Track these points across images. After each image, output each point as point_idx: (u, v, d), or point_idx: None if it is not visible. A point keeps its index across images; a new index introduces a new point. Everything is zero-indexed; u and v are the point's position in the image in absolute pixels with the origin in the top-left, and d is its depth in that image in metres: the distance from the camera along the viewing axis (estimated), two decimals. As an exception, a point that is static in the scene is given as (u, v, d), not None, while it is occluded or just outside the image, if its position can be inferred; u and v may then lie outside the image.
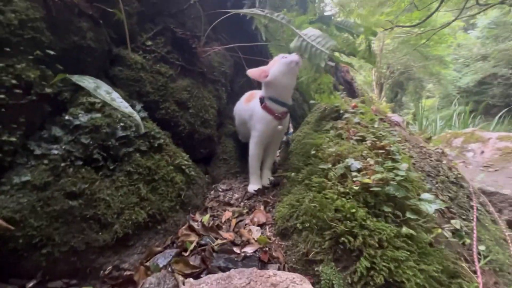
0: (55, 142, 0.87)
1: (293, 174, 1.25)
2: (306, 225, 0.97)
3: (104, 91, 0.75)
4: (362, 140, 1.25)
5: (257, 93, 1.43)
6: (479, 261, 0.99)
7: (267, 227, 1.13)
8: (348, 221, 0.88)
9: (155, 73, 1.28)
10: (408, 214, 0.90)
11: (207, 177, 1.45)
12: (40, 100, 0.84)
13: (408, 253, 0.82)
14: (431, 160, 1.57)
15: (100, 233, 0.88)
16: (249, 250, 0.99)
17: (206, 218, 1.17)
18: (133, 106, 1.15)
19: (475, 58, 11.36)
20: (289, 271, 0.92)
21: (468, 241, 1.08)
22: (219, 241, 1.03)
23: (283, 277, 0.76)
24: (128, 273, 0.88)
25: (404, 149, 1.39)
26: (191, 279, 0.84)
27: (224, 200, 1.35)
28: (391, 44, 10.22)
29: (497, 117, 4.78)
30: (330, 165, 1.11)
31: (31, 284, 0.74)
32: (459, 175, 1.56)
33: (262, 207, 1.26)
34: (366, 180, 0.95)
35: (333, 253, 0.87)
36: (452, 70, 11.35)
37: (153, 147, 1.13)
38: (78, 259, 0.82)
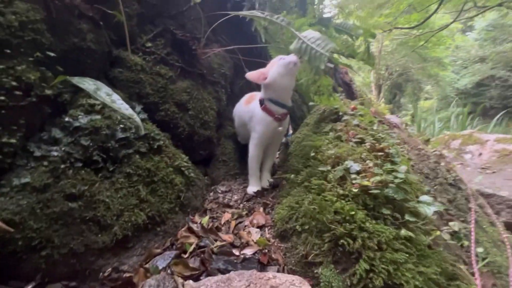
0: (55, 144, 0.87)
1: (292, 176, 1.26)
2: (306, 227, 0.97)
3: (105, 93, 0.75)
4: (361, 142, 1.25)
5: (257, 95, 1.43)
6: (477, 263, 1.00)
7: (266, 229, 1.14)
8: (348, 224, 0.88)
9: (155, 74, 1.28)
10: (407, 217, 0.91)
11: (207, 179, 1.45)
12: (40, 102, 0.84)
13: (407, 255, 0.82)
14: (430, 162, 1.58)
15: (99, 235, 0.88)
16: (248, 252, 0.99)
17: (205, 220, 1.17)
18: (133, 108, 1.15)
19: (473, 60, 11.43)
20: (288, 273, 0.92)
21: (466, 243, 1.08)
22: (218, 243, 1.03)
23: (283, 279, 0.77)
24: (127, 275, 0.88)
25: (403, 151, 1.40)
26: (190, 281, 0.84)
27: (223, 201, 1.35)
28: (389, 46, 10.27)
29: (495, 119, 4.81)
30: (329, 167, 1.11)
31: (30, 287, 0.74)
32: (457, 177, 1.57)
33: (261, 209, 1.26)
34: (365, 183, 0.95)
35: (333, 255, 0.87)
36: (450, 72, 11.41)
37: (153, 149, 1.13)
38: (77, 261, 0.81)
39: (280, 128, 1.38)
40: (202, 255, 0.96)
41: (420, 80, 11.83)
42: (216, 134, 1.60)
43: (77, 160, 0.90)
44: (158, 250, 1.00)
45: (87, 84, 0.75)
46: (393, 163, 1.10)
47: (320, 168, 1.13)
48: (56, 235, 0.78)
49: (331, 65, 1.87)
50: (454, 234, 1.11)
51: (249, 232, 1.11)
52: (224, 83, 1.70)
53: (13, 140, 0.77)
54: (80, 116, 0.95)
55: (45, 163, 0.83)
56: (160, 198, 1.09)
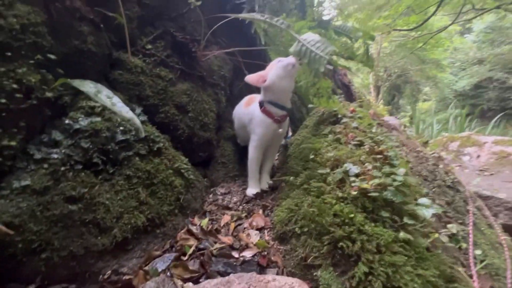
0: (55, 146, 0.87)
1: (291, 178, 1.26)
2: (305, 230, 0.97)
3: (105, 96, 0.75)
4: (360, 145, 1.26)
5: (257, 97, 1.44)
6: (475, 266, 1.01)
7: (265, 231, 1.14)
8: (347, 226, 0.89)
9: (155, 76, 1.28)
10: (406, 219, 0.91)
11: (206, 181, 1.46)
12: (40, 104, 0.85)
13: (406, 258, 0.82)
14: (428, 165, 1.58)
15: (99, 238, 0.88)
16: (247, 254, 1.00)
17: (205, 222, 1.17)
18: (133, 110, 1.15)
19: (471, 62, 11.49)
20: (287, 275, 0.92)
21: (464, 245, 1.09)
22: (218, 245, 1.03)
23: (282, 282, 0.77)
24: (127, 277, 0.88)
25: (401, 153, 1.40)
26: (190, 284, 0.84)
27: (222, 203, 1.35)
28: (388, 47, 10.31)
29: (493, 121, 4.84)
30: (328, 170, 1.12)
31: (30, 289, 0.74)
32: (455, 180, 1.57)
33: (260, 211, 1.27)
34: (365, 185, 0.96)
35: (332, 258, 0.87)
36: (449, 73, 11.47)
37: (153, 151, 1.13)
38: (77, 263, 0.82)
39: (279, 130, 1.39)
40: (201, 258, 0.96)
41: (418, 81, 11.88)
42: (215, 136, 1.61)
43: (77, 163, 0.90)
44: (158, 253, 1.00)
45: (88, 87, 0.75)
46: (391, 165, 1.10)
47: (320, 171, 1.13)
48: (56, 238, 0.79)
49: (331, 67, 1.88)
50: (452, 237, 1.12)
51: (248, 234, 1.11)
52: (224, 85, 1.71)
53: (13, 143, 0.77)
54: (80, 119, 0.95)
55: (45, 165, 0.83)
56: (160, 200, 1.09)
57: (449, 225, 1.17)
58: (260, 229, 1.15)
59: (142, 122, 1.15)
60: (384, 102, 10.82)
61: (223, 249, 1.01)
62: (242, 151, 1.65)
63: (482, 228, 1.35)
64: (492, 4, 5.40)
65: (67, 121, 0.93)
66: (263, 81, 1.30)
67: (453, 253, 1.03)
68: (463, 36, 12.04)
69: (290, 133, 1.77)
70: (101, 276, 0.86)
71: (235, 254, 1.00)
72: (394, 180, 1.00)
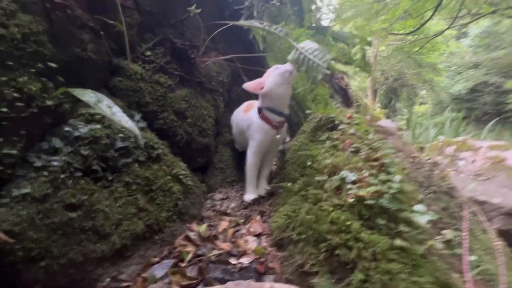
0: (55, 154, 0.88)
1: (289, 184, 1.27)
2: (302, 237, 0.98)
3: (106, 105, 0.76)
4: (357, 151, 1.27)
5: (255, 103, 1.45)
6: (470, 272, 1.02)
7: (263, 237, 1.15)
8: (343, 234, 0.90)
9: (154, 83, 1.29)
10: (401, 227, 0.93)
11: (204, 186, 1.46)
12: (40, 113, 0.85)
13: (401, 265, 0.84)
14: (424, 171, 1.60)
15: (98, 244, 0.88)
16: (245, 260, 1.01)
17: (203, 228, 1.18)
18: (132, 116, 1.16)
19: (467, 66, 11.60)
20: (285, 282, 0.93)
21: (459, 251, 1.10)
22: (216, 252, 1.04)
23: (280, 290, 0.78)
24: (125, 284, 0.89)
25: (397, 159, 1.42)
26: (188, 291, 0.85)
27: (220, 209, 1.36)
28: (385, 51, 10.39)
29: (488, 126, 4.89)
30: (325, 177, 1.13)
31: (29, 297, 0.75)
32: (450, 185, 1.59)
33: (258, 217, 1.28)
34: (361, 193, 0.97)
35: (329, 265, 0.88)
36: (445, 77, 11.58)
37: (152, 157, 1.14)
38: (76, 271, 0.82)
39: (278, 136, 1.40)
40: (199, 264, 0.97)
41: (415, 85, 11.98)
42: (213, 141, 1.62)
43: (76, 170, 0.90)
44: (156, 259, 1.01)
45: (88, 96, 0.76)
46: (388, 173, 1.12)
47: (317, 178, 1.14)
48: (55, 245, 0.79)
49: (328, 72, 1.90)
50: (447, 243, 1.13)
51: (246, 241, 1.12)
52: (222, 90, 1.72)
53: (14, 151, 0.78)
54: (80, 126, 0.96)
55: (45, 173, 0.83)
56: (158, 206, 1.09)
57: (444, 231, 1.19)
58: (257, 235, 1.16)
59: (142, 128, 1.16)
60: (381, 105, 10.89)
61: (221, 256, 1.02)
62: (240, 157, 1.66)
63: (477, 234, 1.37)
64: (487, 9, 5.48)
65: (67, 129, 0.93)
66: (260, 88, 1.32)
67: (448, 259, 1.04)
68: (459, 40, 12.17)
69: (288, 139, 1.78)
70: (99, 283, 0.86)
71: (233, 260, 1.00)
72: (390, 188, 1.01)
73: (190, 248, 1.06)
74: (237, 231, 1.20)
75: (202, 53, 1.55)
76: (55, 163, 0.86)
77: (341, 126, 1.49)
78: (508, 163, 2.50)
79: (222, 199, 1.45)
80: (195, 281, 0.90)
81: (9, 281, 0.74)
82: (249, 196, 1.41)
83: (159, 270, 0.94)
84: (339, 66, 2.13)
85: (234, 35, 1.84)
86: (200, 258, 1.00)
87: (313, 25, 2.34)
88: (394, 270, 0.82)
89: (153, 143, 1.16)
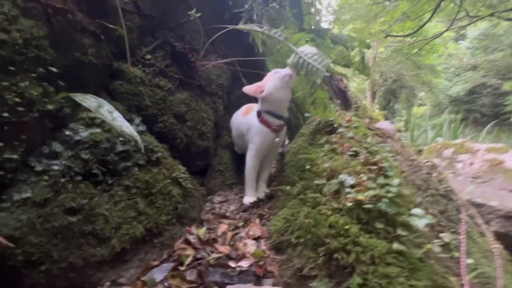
0: (55, 158, 0.88)
1: (288, 187, 1.28)
2: (301, 240, 0.99)
3: (106, 111, 0.76)
4: (356, 155, 1.28)
5: (255, 106, 1.46)
6: (467, 275, 1.03)
7: (262, 241, 1.15)
8: (342, 238, 0.91)
9: (154, 86, 1.30)
10: (399, 231, 0.94)
11: (203, 189, 1.47)
12: (41, 117, 0.86)
13: (399, 269, 0.85)
14: (422, 173, 1.61)
15: (98, 248, 0.89)
16: (244, 264, 1.01)
17: (202, 231, 1.18)
18: (132, 120, 1.17)
19: (465, 68, 11.68)
20: (283, 286, 0.94)
21: (457, 254, 1.11)
22: (215, 255, 1.04)
23: (279, 294, 0.79)
24: (125, 288, 0.89)
25: (396, 160, 1.43)
26: (188, 295, 0.86)
27: (219, 212, 1.37)
28: (384, 52, 10.43)
29: (486, 129, 4.93)
30: (324, 181, 1.14)
31: (29, 301, 0.75)
32: (448, 188, 1.60)
33: (257, 220, 1.28)
34: (360, 197, 0.98)
35: (327, 269, 0.89)
36: (443, 79, 11.64)
37: (151, 161, 1.14)
38: (76, 275, 0.82)
39: (277, 139, 1.41)
40: (199, 268, 0.97)
41: (413, 86, 12.03)
42: (213, 144, 1.63)
43: (77, 174, 0.91)
44: (156, 263, 1.01)
45: (89, 101, 0.77)
46: (386, 176, 1.13)
47: (316, 181, 1.15)
48: (55, 250, 0.79)
49: (327, 74, 1.91)
50: (445, 246, 1.14)
51: (245, 244, 1.13)
52: (222, 93, 1.73)
53: (14, 156, 0.78)
54: (80, 130, 0.96)
55: (46, 177, 0.84)
56: (158, 210, 1.10)
57: (442, 234, 1.20)
58: (256, 239, 1.16)
59: (142, 132, 1.17)
60: (380, 107, 10.92)
61: (220, 259, 1.03)
62: (239, 159, 1.67)
63: (475, 237, 1.38)
64: (485, 12, 5.51)
65: (67, 133, 0.94)
66: (260, 91, 1.33)
67: (446, 263, 1.05)
68: (457, 42, 12.23)
69: (287, 141, 1.79)
70: (99, 287, 0.87)
71: (232, 264, 1.01)
72: (389, 191, 1.02)
73: (190, 252, 1.06)
74: (236, 234, 1.20)
75: (202, 56, 1.56)
76: (55, 167, 0.87)
77: (340, 130, 1.50)
78: (505, 165, 2.52)
79: (222, 202, 1.46)
80: (194, 285, 0.91)
81: (10, 285, 0.74)
82: (248, 199, 1.42)
83: (158, 274, 0.95)
84: (338, 69, 2.14)
85: (234, 38, 1.85)
86: (199, 261, 1.00)
87: (313, 27, 2.36)
88: (392, 274, 0.83)
89: (153, 146, 1.17)
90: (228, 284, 0.91)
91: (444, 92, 11.91)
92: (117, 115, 0.77)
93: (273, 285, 0.93)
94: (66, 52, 0.96)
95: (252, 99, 1.55)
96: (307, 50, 1.25)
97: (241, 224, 1.27)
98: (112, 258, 0.91)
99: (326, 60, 1.20)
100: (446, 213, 1.41)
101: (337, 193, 1.07)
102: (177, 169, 1.24)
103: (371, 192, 1.00)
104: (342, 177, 1.10)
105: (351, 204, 0.99)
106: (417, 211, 1.01)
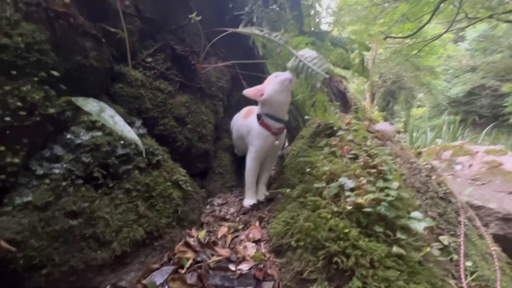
0: (56, 161, 0.89)
1: (288, 190, 1.28)
2: (301, 244, 1.00)
3: (108, 115, 0.77)
4: (355, 158, 1.29)
5: (255, 109, 1.46)
6: (466, 278, 1.04)
7: (262, 244, 1.16)
8: (342, 241, 0.91)
9: (154, 89, 1.30)
10: (399, 234, 0.94)
11: (203, 191, 1.47)
12: (43, 121, 0.86)
13: (398, 272, 0.85)
14: (421, 176, 1.62)
15: (98, 252, 0.89)
16: (244, 267, 1.02)
17: (202, 234, 1.19)
18: (133, 123, 1.17)
19: (464, 70, 11.72)
20: (283, 289, 0.94)
21: (455, 257, 1.12)
22: (215, 258, 1.05)
23: (279, 298, 0.79)
24: (126, 291, 0.89)
25: (395, 164, 1.43)
26: (188, 299, 0.86)
27: (219, 215, 1.37)
28: (383, 54, 10.45)
29: (484, 131, 4.95)
30: (324, 184, 1.14)
31: (30, 304, 0.75)
32: (447, 191, 1.61)
33: (257, 223, 1.29)
34: (359, 201, 0.99)
35: (327, 273, 0.90)
36: (442, 80, 11.67)
37: (152, 164, 1.15)
38: (77, 278, 0.83)
39: (277, 142, 1.42)
40: (199, 270, 0.98)
41: (413, 88, 12.06)
42: (213, 147, 1.63)
43: (78, 177, 0.91)
44: (156, 265, 1.01)
45: (91, 106, 0.77)
46: (385, 180, 1.14)
47: (315, 185, 1.16)
48: (56, 253, 0.80)
49: (327, 76, 1.92)
50: (443, 248, 1.15)
51: (245, 247, 1.13)
52: (222, 96, 1.73)
53: (16, 160, 0.79)
54: (81, 133, 0.97)
55: (47, 181, 0.84)
56: (158, 212, 1.10)
57: (441, 237, 1.20)
58: (256, 242, 1.17)
59: (142, 135, 1.17)
60: (379, 108, 10.94)
61: (220, 262, 1.03)
62: (239, 161, 1.67)
63: (473, 239, 1.39)
64: (484, 14, 5.53)
65: (68, 136, 0.94)
66: (260, 95, 1.33)
67: (445, 265, 1.06)
68: (456, 44, 12.26)
69: (286, 144, 1.79)
70: (100, 290, 0.87)
71: (232, 267, 1.01)
72: (388, 195, 1.03)
73: (190, 255, 1.07)
74: (236, 237, 1.21)
75: (202, 58, 1.57)
76: (56, 171, 0.87)
77: (339, 132, 1.51)
78: (504, 167, 2.53)
79: (221, 204, 1.46)
80: (194, 288, 0.91)
81: (11, 289, 0.75)
82: (248, 201, 1.42)
83: (158, 277, 0.95)
84: (338, 71, 2.15)
85: (234, 40, 1.85)
86: (199, 264, 1.01)
87: (312, 29, 2.36)
88: (391, 278, 0.83)
89: (153, 149, 1.17)
90: (228, 287, 0.92)
91: (443, 93, 11.94)
92: (118, 119, 0.77)
93: (273, 288, 0.93)
94: (67, 56, 0.96)
95: (252, 102, 1.56)
96: (307, 53, 1.26)
97: (241, 226, 1.27)
98: (113, 261, 0.92)
99: (326, 64, 1.21)
100: (445, 215, 1.42)
101: (337, 196, 1.08)
102: (177, 172, 1.25)
103: (370, 196, 1.00)
104: (342, 180, 1.11)
105: (350, 207, 0.99)
106: (416, 214, 1.02)
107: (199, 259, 1.04)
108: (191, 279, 0.94)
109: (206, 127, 1.51)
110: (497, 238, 1.60)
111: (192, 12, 1.42)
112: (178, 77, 1.42)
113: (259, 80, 1.46)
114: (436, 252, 1.07)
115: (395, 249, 0.90)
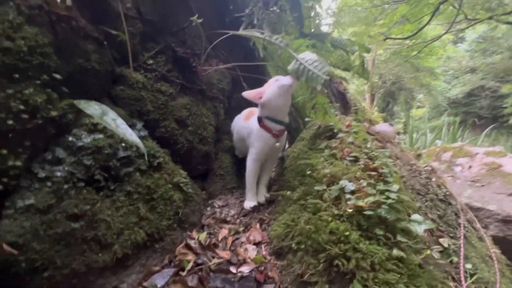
0: (58, 164, 0.89)
1: (288, 192, 1.29)
2: (301, 246, 1.00)
3: (110, 118, 0.77)
4: (356, 160, 1.29)
5: (256, 111, 1.47)
6: (466, 280, 1.04)
7: (262, 246, 1.16)
8: (342, 244, 0.92)
9: (155, 91, 1.31)
10: (399, 237, 0.95)
11: (204, 193, 1.48)
12: (45, 124, 0.86)
13: (399, 275, 0.86)
14: (421, 178, 1.62)
15: (100, 254, 0.89)
16: (245, 269, 1.02)
17: (203, 236, 1.19)
18: (134, 125, 1.18)
19: (464, 71, 11.73)
20: (284, 291, 0.95)
21: (455, 259, 1.12)
22: (216, 260, 1.05)
23: (280, 301, 0.79)
24: (127, 293, 0.90)
25: (395, 166, 1.44)
26: (189, 301, 0.86)
27: (220, 217, 1.37)
28: (383, 55, 10.46)
29: (484, 132, 4.96)
30: (325, 186, 1.15)
31: (32, 307, 0.76)
32: (447, 193, 1.61)
33: (258, 225, 1.29)
34: (360, 204, 0.99)
35: (327, 275, 0.90)
36: (442, 81, 11.67)
37: (153, 166, 1.15)
38: (78, 281, 0.83)
39: (277, 144, 1.42)
40: (200, 273, 0.98)
41: (412, 89, 12.06)
42: (214, 149, 1.63)
43: (79, 180, 0.91)
44: (157, 268, 1.02)
45: (93, 109, 0.77)
46: (386, 182, 1.14)
47: (316, 187, 1.16)
48: (58, 256, 0.80)
49: (327, 77, 1.93)
50: (443, 251, 1.15)
51: (246, 249, 1.13)
52: (223, 98, 1.74)
53: (18, 163, 0.79)
54: (83, 136, 0.97)
55: (49, 183, 0.84)
56: (159, 215, 1.11)
57: (440, 239, 1.21)
58: (257, 244, 1.17)
59: (143, 137, 1.18)
60: (379, 109, 10.95)
61: (221, 264, 1.03)
62: (240, 163, 1.68)
63: (473, 241, 1.39)
64: (484, 15, 5.54)
65: (70, 139, 0.95)
66: (259, 97, 1.34)
67: (445, 268, 1.06)
68: (456, 45, 12.28)
69: (287, 145, 1.80)
70: (101, 292, 0.87)
71: (232, 269, 1.02)
72: (388, 198, 1.03)
73: (191, 257, 1.07)
74: (237, 239, 1.21)
75: (203, 61, 1.57)
76: (58, 174, 0.87)
77: (340, 135, 1.51)
78: (504, 169, 2.53)
79: (222, 206, 1.46)
80: (196, 291, 0.91)
81: (13, 291, 0.75)
82: (248, 203, 1.43)
83: (159, 279, 0.95)
84: (338, 72, 2.15)
85: (235, 42, 1.86)
86: (200, 267, 1.01)
87: (313, 30, 2.37)
88: (391, 280, 0.84)
89: (155, 151, 1.18)
90: (229, 290, 0.92)
91: (443, 94, 11.96)
92: (120, 122, 0.78)
93: (274, 291, 0.94)
94: (69, 59, 0.97)
95: (253, 104, 1.56)
96: (307, 56, 1.26)
97: (241, 229, 1.28)
98: (114, 263, 0.92)
99: (326, 66, 1.21)
100: (445, 217, 1.43)
101: (337, 199, 1.08)
102: (178, 174, 1.25)
103: (371, 198, 1.01)
104: (343, 183, 1.11)
105: (351, 210, 1.00)
106: (416, 217, 1.02)
107: (200, 261, 1.04)
108: (192, 281, 0.95)
109: (207, 129, 1.52)
110: (496, 240, 1.60)
111: (193, 14, 1.42)
112: (179, 79, 1.42)
113: (260, 82, 1.46)
114: (436, 255, 1.07)
115: (395, 252, 0.90)
